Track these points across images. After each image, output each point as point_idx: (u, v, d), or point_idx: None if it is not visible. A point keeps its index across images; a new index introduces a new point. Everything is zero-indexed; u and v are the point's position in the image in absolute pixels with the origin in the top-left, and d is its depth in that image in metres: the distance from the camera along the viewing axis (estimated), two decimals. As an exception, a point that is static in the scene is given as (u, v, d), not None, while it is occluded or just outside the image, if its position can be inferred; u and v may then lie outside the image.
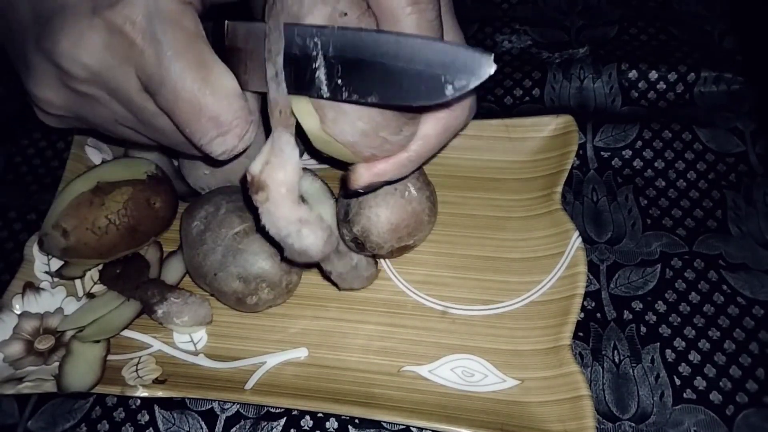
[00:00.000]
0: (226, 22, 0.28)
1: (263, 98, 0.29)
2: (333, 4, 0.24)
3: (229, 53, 0.28)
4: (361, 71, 0.23)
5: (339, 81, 0.24)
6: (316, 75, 0.24)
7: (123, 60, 0.26)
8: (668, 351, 0.35)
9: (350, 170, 0.29)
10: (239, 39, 0.27)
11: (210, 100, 0.26)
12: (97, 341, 0.36)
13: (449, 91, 0.22)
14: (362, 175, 0.29)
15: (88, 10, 0.25)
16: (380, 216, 0.35)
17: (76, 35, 0.26)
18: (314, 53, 0.24)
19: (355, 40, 0.23)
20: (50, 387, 0.35)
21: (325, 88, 0.24)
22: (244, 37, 0.27)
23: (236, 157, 0.29)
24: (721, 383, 0.34)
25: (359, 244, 0.37)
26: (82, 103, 0.29)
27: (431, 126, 0.28)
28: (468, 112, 0.29)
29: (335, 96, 0.25)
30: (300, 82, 0.25)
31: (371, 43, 0.23)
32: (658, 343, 0.36)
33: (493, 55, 0.21)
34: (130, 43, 0.25)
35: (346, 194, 0.34)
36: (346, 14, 0.24)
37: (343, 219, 0.37)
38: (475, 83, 0.22)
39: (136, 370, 0.36)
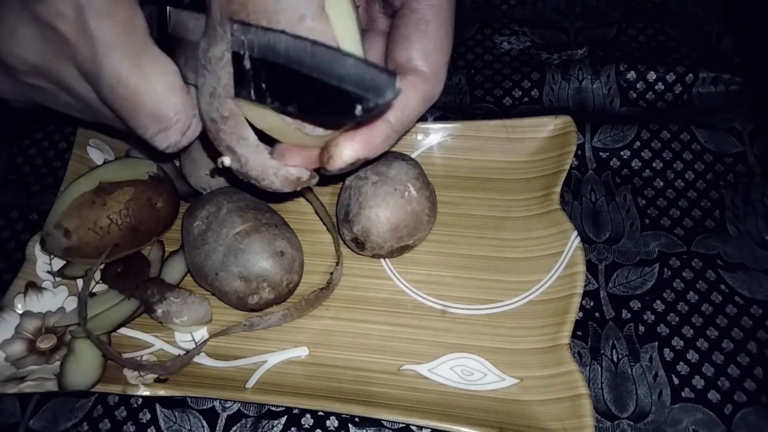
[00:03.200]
0: (168, 9, 0.27)
1: None
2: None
3: (172, 41, 0.26)
4: (282, 78, 0.23)
5: (263, 85, 0.23)
6: (246, 75, 0.23)
7: (58, 53, 0.25)
8: (666, 350, 0.35)
9: (330, 145, 0.26)
10: (181, 28, 0.26)
11: (148, 96, 0.25)
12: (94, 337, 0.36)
13: (358, 111, 0.21)
14: (345, 148, 0.26)
15: (18, 2, 0.24)
16: (380, 216, 0.36)
17: (9, 29, 0.25)
18: (242, 52, 0.23)
19: (276, 44, 0.22)
20: (52, 386, 0.35)
21: (252, 91, 0.24)
22: (186, 28, 0.26)
23: (185, 149, 0.28)
24: (719, 382, 0.34)
25: (359, 244, 0.37)
26: (32, 92, 0.28)
27: (411, 95, 0.27)
28: (441, 83, 0.28)
29: (261, 99, 0.24)
30: (236, 80, 0.24)
31: (291, 49, 0.22)
32: (657, 342, 0.36)
33: (397, 78, 0.21)
34: (61, 38, 0.24)
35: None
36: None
37: (343, 219, 0.37)
38: (381, 105, 0.21)
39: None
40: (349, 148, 0.25)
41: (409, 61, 0.27)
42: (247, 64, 0.23)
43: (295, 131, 0.26)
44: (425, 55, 0.27)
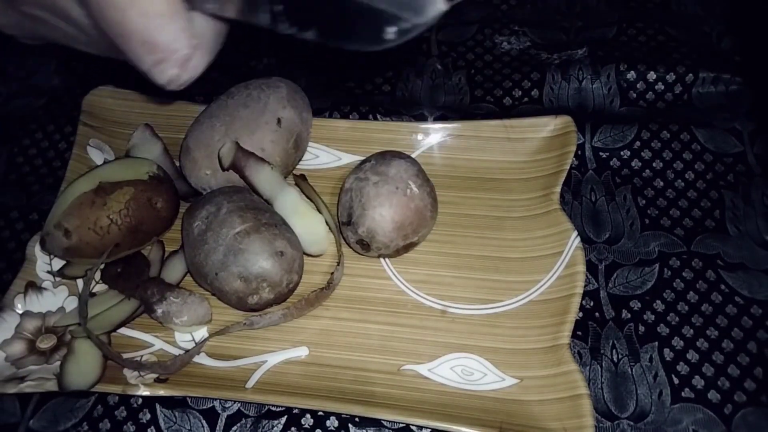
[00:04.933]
0: None
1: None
2: None
3: None
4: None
5: (280, 7, 0.20)
6: None
7: None
8: (666, 350, 0.35)
9: None
10: None
11: (139, 20, 0.21)
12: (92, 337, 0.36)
13: (389, 35, 0.18)
14: None
15: None
16: (384, 216, 0.36)
17: None
18: None
19: None
20: (52, 386, 0.35)
21: (266, 16, 0.21)
22: None
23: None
24: (719, 382, 0.34)
25: (365, 246, 0.37)
26: (32, 24, 0.26)
27: None
28: None
29: (274, 25, 0.21)
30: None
31: None
32: (657, 342, 0.36)
33: None
34: None
35: None
36: None
37: (346, 222, 0.37)
38: (420, 26, 0.17)
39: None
40: None
41: None
42: None
43: None
44: None
